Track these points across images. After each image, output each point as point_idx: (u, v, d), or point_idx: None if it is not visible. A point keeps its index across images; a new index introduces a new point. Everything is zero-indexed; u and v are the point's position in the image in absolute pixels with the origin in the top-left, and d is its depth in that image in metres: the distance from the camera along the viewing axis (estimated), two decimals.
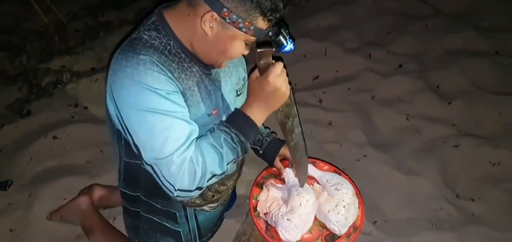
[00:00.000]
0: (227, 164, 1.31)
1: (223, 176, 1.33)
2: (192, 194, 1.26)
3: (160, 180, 1.25)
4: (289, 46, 1.43)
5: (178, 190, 1.24)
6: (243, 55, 1.36)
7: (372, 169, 2.40)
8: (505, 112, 2.74)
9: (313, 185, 1.72)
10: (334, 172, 1.78)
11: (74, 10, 3.59)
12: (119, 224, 2.03)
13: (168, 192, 1.26)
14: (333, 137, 2.59)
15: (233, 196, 2.11)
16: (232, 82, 1.51)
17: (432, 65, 3.11)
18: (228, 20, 1.18)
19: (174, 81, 1.24)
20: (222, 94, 1.44)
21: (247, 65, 1.66)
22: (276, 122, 1.47)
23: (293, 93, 1.41)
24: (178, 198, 1.27)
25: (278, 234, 1.54)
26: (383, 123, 2.69)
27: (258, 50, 1.27)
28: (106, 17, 3.52)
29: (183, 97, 1.28)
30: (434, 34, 3.35)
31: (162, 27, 1.28)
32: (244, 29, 1.20)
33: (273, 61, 1.31)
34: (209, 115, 1.38)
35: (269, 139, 1.82)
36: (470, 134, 2.62)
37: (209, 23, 1.20)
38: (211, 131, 1.33)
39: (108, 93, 1.28)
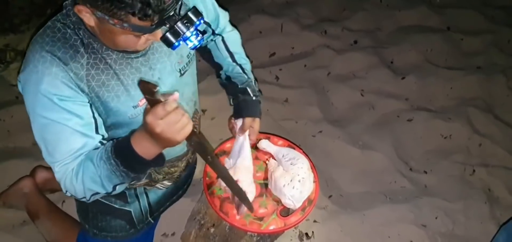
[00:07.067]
0: (113, 186, 1.19)
1: (113, 193, 1.23)
2: (82, 200, 1.24)
3: None
4: (192, 43, 1.06)
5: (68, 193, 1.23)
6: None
7: (327, 144, 2.42)
8: (456, 87, 2.82)
9: (268, 161, 1.70)
10: (288, 146, 1.76)
11: None
12: (68, 207, 1.96)
13: None
14: (289, 113, 2.59)
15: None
16: (171, 62, 1.34)
17: (386, 41, 3.15)
18: (97, 15, 1.02)
19: (75, 83, 1.15)
20: (158, 78, 1.31)
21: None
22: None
23: (198, 131, 1.21)
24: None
25: (232, 211, 1.52)
26: (338, 99, 2.71)
27: (140, 80, 1.02)
28: None
29: (91, 98, 1.20)
30: (388, 10, 3.39)
31: (73, 13, 1.14)
32: (118, 26, 1.01)
33: (166, 96, 1.01)
34: (135, 107, 1.28)
35: (248, 99, 1.52)
36: (422, 108, 2.68)
37: (85, 13, 1.05)
38: (103, 146, 1.20)
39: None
